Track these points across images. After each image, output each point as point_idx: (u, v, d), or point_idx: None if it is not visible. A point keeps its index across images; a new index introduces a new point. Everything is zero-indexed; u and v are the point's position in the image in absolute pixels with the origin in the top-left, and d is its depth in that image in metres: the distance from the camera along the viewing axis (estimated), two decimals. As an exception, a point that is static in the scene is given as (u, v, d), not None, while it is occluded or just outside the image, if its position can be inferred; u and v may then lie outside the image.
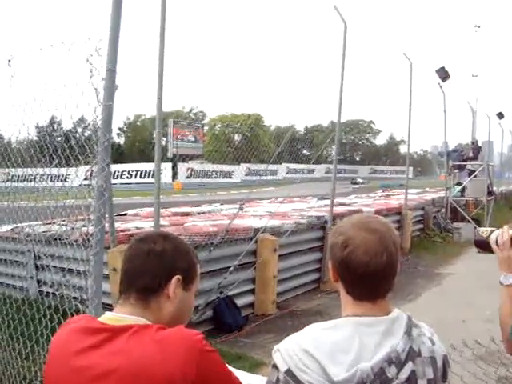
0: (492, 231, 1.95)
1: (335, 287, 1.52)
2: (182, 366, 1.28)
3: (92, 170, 2.92)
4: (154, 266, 1.44)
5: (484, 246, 1.94)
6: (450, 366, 1.50)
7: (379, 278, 1.41)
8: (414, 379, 1.35)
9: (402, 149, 79.73)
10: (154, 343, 1.31)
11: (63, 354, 1.39)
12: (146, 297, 1.43)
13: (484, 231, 1.97)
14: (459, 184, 16.37)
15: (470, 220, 15.13)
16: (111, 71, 2.63)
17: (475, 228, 2.02)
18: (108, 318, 1.41)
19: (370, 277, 1.39)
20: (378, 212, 11.17)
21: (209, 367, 1.34)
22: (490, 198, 15.98)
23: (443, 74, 15.34)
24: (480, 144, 18.17)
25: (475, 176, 15.90)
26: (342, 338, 1.34)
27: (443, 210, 15.84)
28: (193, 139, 50.73)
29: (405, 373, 1.33)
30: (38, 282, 6.93)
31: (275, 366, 1.37)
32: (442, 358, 1.46)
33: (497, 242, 1.88)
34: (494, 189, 17.75)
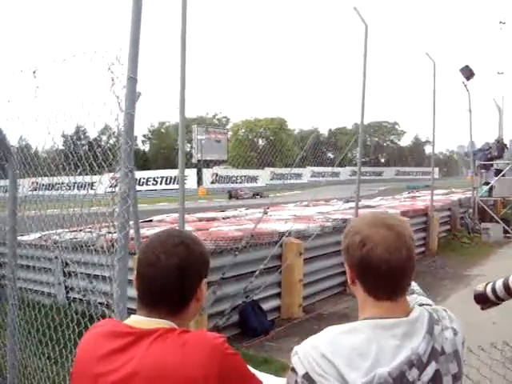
0: (487, 284, 2.00)
1: (352, 291, 1.50)
2: (204, 369, 1.30)
3: (116, 177, 2.95)
4: (184, 283, 1.43)
5: (483, 299, 1.97)
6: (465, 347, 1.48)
7: (400, 274, 1.39)
8: (439, 377, 1.34)
9: (428, 149, 78.87)
10: (177, 347, 1.33)
11: (89, 359, 1.42)
12: (178, 309, 1.44)
13: (479, 286, 2.03)
14: (486, 183, 16.12)
15: (499, 220, 14.88)
16: (132, 79, 2.67)
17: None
18: (134, 321, 1.43)
19: (391, 273, 1.37)
20: (403, 214, 11.09)
21: (230, 370, 1.35)
22: (519, 197, 15.69)
23: (468, 73, 15.14)
24: (507, 142, 17.83)
25: (503, 175, 15.64)
26: (359, 341, 1.32)
27: (470, 211, 15.61)
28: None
29: (428, 374, 1.32)
30: (66, 288, 7.04)
31: (293, 370, 1.37)
32: (462, 343, 1.44)
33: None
34: (524, 187, 17.40)
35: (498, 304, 2.00)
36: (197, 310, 1.51)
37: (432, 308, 1.48)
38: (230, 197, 27.78)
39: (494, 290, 1.96)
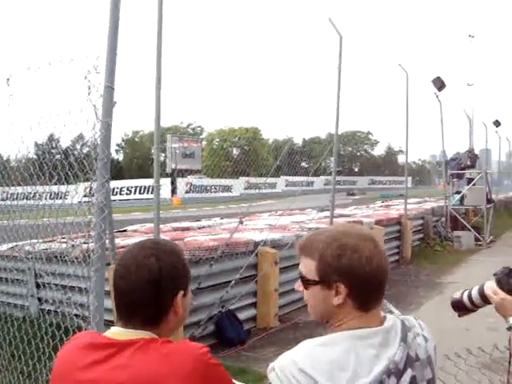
0: (464, 291, 2.02)
1: (327, 314, 1.42)
2: (188, 379, 1.29)
3: (91, 187, 2.92)
4: (157, 296, 1.40)
5: (460, 306, 2.02)
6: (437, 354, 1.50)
7: (378, 284, 1.40)
8: None
9: (401, 159, 79.96)
10: (160, 357, 1.31)
11: (68, 370, 1.39)
12: (155, 322, 1.42)
13: (456, 293, 2.05)
14: (458, 192, 16.39)
15: (470, 228, 15.14)
16: (109, 88, 2.65)
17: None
18: (114, 333, 1.41)
19: (383, 283, 1.40)
20: (378, 222, 11.21)
21: (214, 380, 1.34)
22: (489, 205, 15.99)
23: (439, 84, 15.42)
24: (477, 152, 18.21)
25: (474, 184, 15.92)
26: (337, 354, 1.30)
27: (443, 219, 15.85)
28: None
29: (405, 381, 1.33)
30: (39, 299, 6.91)
31: None
32: (434, 350, 1.46)
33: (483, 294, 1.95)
34: (493, 196, 17.76)
35: (475, 311, 2.03)
36: (177, 323, 1.48)
37: (402, 316, 1.49)
38: (348, 194, 37.72)
39: (470, 298, 1.99)
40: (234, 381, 1.51)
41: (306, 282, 1.43)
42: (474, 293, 1.98)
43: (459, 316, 2.07)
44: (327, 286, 1.38)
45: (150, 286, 1.39)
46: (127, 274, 1.40)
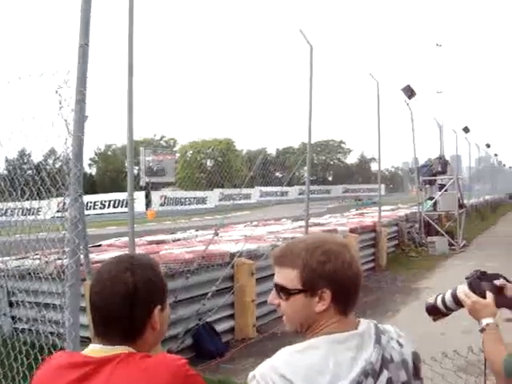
0: (437, 295, 2.06)
1: (308, 321, 1.44)
2: None
3: (64, 202, 2.89)
4: (133, 310, 1.39)
5: (434, 310, 2.05)
6: (421, 361, 1.53)
7: (356, 289, 1.46)
8: None
9: (374, 167, 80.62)
10: (140, 372, 1.31)
11: None
12: (132, 338, 1.41)
13: (430, 298, 2.09)
14: (431, 198, 16.62)
15: (444, 233, 15.35)
16: (81, 102, 2.63)
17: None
18: (91, 350, 1.40)
19: (359, 288, 1.45)
20: (352, 230, 11.29)
21: None
22: (462, 210, 16.24)
23: (409, 92, 15.68)
24: (448, 158, 18.50)
25: (446, 190, 16.16)
26: (317, 359, 1.32)
27: (417, 225, 16.04)
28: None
29: (381, 382, 1.36)
30: (13, 318, 6.77)
31: None
32: (412, 357, 1.48)
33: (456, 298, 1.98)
34: (465, 201, 18.05)
35: (448, 315, 2.07)
36: (155, 338, 1.47)
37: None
38: (356, 200, 39.07)
39: (443, 302, 2.02)
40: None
41: (287, 293, 1.42)
42: (448, 297, 2.02)
43: (434, 320, 2.10)
44: (311, 293, 1.40)
45: (126, 301, 1.38)
46: (103, 289, 1.40)
